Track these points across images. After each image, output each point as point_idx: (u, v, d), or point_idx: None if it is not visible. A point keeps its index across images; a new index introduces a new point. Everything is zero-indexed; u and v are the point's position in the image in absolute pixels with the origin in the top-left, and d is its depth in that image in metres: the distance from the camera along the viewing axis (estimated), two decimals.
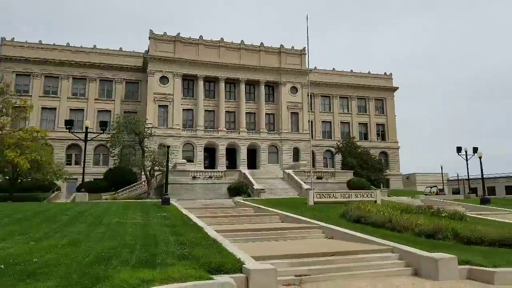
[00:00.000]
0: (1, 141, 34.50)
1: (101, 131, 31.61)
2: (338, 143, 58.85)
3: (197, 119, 55.59)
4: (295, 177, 40.49)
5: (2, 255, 9.16)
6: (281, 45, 60.68)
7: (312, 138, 58.54)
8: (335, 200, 23.46)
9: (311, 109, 59.03)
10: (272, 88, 60.95)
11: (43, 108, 53.79)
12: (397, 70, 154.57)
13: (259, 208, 21.57)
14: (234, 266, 9.04)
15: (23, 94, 51.33)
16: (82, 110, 55.13)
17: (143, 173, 42.78)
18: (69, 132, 31.08)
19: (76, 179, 46.59)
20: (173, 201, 25.05)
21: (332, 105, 66.24)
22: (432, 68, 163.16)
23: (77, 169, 48.28)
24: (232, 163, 55.55)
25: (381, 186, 52.18)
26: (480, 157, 35.28)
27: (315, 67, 64.10)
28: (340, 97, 66.86)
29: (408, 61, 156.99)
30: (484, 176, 36.52)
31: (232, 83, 59.09)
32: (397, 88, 70.05)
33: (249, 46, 59.64)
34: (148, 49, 55.65)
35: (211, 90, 58.39)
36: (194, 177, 40.06)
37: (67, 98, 54.96)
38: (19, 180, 39.21)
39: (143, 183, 42.95)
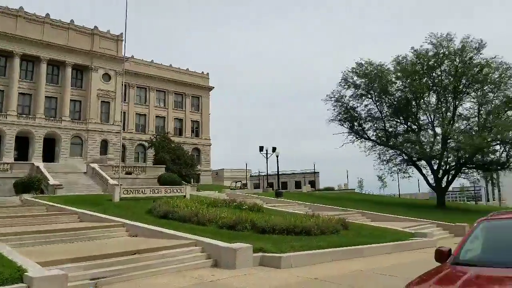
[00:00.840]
0: None
1: None
2: (152, 137, 57.79)
3: None
4: (100, 171, 37.40)
5: None
6: (95, 26, 55.61)
7: (124, 130, 55.70)
8: (145, 196, 22.74)
9: (125, 100, 56.12)
10: (81, 72, 55.28)
11: None
12: (215, 71, 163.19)
13: (53, 207, 18.98)
14: (14, 275, 7.52)
15: None
16: None
17: None
18: None
19: None
20: None
21: (149, 97, 64.50)
22: (248, 73, 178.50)
23: None
24: (24, 154, 47.89)
25: (192, 181, 53.62)
26: (277, 156, 40.16)
27: (133, 56, 61.27)
28: (157, 91, 65.68)
29: (227, 64, 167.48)
30: (279, 172, 41.76)
31: (31, 61, 50.99)
32: (213, 87, 73.33)
33: (57, 21, 52.60)
34: None
35: (4, 66, 49.14)
36: None
37: None
38: None
39: None
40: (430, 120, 39.99)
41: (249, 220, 14.94)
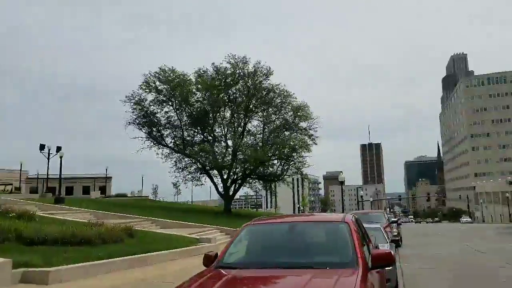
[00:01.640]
0: None
1: None
2: None
3: None
4: None
5: None
6: None
7: None
8: None
9: None
10: None
11: None
12: None
13: None
14: None
15: None
16: None
17: None
18: None
19: None
20: None
21: None
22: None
23: None
24: None
25: None
26: (61, 157, 35.71)
27: None
28: None
29: None
30: (64, 176, 37.29)
31: None
32: None
33: None
34: None
35: None
36: None
37: None
38: None
39: None
40: (224, 133, 43.30)
41: (13, 229, 12.56)
